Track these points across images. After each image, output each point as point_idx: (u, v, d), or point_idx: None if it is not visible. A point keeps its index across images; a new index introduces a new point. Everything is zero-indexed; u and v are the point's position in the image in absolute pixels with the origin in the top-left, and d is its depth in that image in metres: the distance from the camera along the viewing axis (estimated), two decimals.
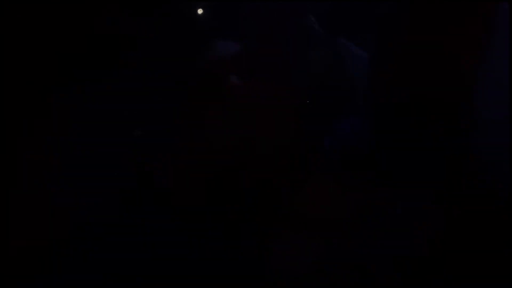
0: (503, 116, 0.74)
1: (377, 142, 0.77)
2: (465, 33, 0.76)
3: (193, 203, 0.80)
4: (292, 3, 0.98)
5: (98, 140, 0.85)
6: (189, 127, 0.83)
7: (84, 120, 0.85)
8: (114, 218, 0.85)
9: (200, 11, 0.90)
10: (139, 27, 0.87)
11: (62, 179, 0.84)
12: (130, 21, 0.86)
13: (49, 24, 0.80)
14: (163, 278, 0.77)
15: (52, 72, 0.83)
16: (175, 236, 0.78)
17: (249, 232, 0.74)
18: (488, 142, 0.76)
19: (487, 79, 0.76)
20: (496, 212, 0.68)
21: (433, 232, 0.64)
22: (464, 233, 0.66)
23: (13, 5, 0.77)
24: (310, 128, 0.81)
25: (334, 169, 0.72)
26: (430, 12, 0.76)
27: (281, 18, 0.96)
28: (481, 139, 0.76)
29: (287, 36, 0.96)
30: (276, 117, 0.77)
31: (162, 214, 0.81)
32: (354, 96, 1.01)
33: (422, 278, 0.62)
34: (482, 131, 0.76)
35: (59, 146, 0.85)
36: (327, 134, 0.82)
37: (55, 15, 0.80)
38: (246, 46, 0.87)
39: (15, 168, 0.82)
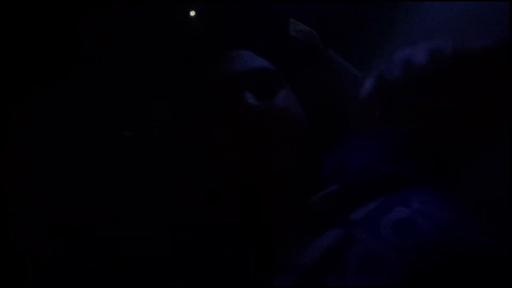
0: None
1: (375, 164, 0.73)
2: None
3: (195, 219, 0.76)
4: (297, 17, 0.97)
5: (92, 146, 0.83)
6: (194, 148, 0.77)
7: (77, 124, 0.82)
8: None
9: (192, 13, 0.81)
10: (137, 27, 0.82)
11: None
12: (126, 21, 0.82)
13: (40, 22, 0.77)
14: None
15: (42, 71, 0.80)
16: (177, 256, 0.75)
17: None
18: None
19: None
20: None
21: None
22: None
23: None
24: (312, 152, 0.75)
25: (332, 192, 0.68)
26: None
27: (286, 35, 0.95)
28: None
29: (292, 54, 0.94)
30: (284, 141, 0.71)
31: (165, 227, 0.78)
32: (351, 119, 1.00)
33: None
34: None
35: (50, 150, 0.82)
36: (327, 158, 0.78)
37: (47, 13, 0.77)
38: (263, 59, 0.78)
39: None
